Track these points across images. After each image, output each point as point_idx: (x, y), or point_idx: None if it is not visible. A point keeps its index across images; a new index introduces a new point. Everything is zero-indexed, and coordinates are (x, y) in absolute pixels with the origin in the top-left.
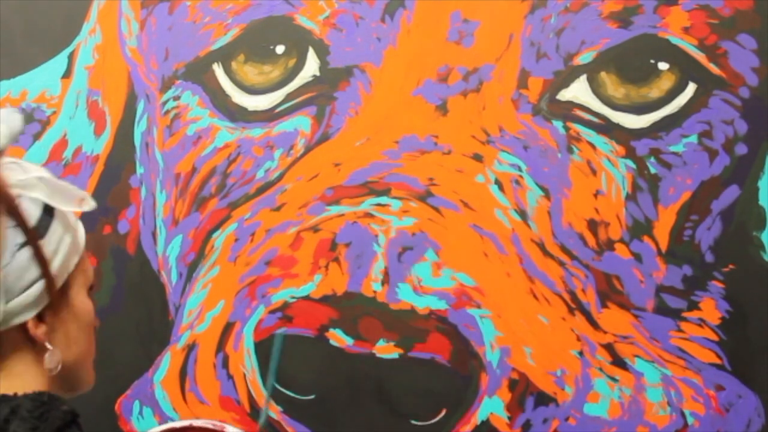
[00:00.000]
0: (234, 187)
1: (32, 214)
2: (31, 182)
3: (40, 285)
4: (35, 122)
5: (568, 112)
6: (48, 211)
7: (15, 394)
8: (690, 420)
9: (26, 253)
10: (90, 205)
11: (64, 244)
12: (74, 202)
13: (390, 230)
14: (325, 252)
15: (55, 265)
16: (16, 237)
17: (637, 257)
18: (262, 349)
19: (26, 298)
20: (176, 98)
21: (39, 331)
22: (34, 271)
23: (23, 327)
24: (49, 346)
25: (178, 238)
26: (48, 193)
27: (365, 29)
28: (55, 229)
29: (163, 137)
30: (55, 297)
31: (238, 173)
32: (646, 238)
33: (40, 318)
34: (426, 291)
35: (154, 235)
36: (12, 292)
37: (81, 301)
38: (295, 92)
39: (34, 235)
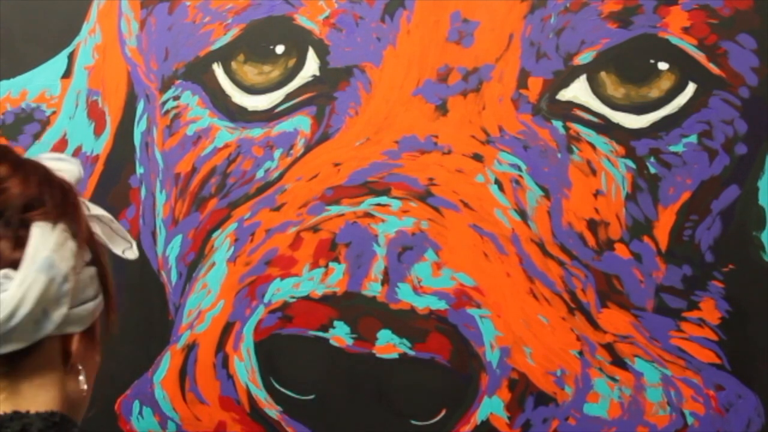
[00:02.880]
0: (234, 187)
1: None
2: (92, 220)
3: (95, 303)
4: (35, 122)
5: (568, 112)
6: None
7: (28, 412)
8: (690, 420)
9: (92, 270)
10: (134, 254)
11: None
12: (121, 248)
13: (389, 230)
14: (325, 252)
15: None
16: (86, 253)
17: (637, 257)
18: (263, 349)
19: (83, 311)
20: (176, 98)
21: (79, 348)
22: (94, 289)
23: (66, 340)
24: (80, 367)
25: (177, 238)
26: (104, 232)
27: (365, 29)
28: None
29: (163, 137)
30: (112, 306)
31: (238, 173)
32: (646, 238)
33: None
34: (426, 291)
35: (153, 235)
36: (76, 300)
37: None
38: (295, 92)
39: (101, 259)
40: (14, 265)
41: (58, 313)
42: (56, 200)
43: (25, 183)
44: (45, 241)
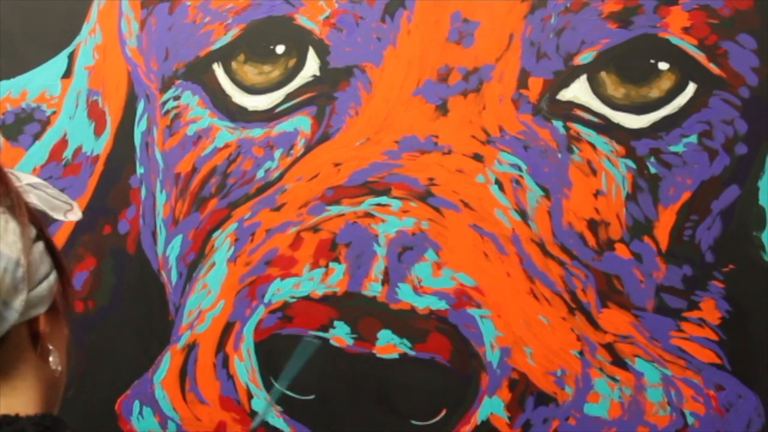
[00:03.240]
0: (234, 187)
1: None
2: (25, 189)
3: (52, 278)
4: (35, 122)
5: (568, 112)
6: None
7: (17, 415)
8: (690, 420)
9: (40, 246)
10: (77, 215)
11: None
12: (62, 211)
13: (390, 230)
14: (326, 252)
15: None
16: (31, 229)
17: (637, 257)
18: (263, 349)
19: (41, 290)
20: (176, 98)
21: (46, 328)
22: (47, 265)
23: (33, 324)
24: (51, 346)
25: (178, 238)
26: (40, 199)
27: (365, 29)
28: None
29: (163, 137)
30: (66, 278)
31: (238, 173)
32: (646, 238)
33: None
34: (426, 291)
35: (154, 235)
36: (33, 281)
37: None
38: (295, 92)
39: (44, 231)
40: None
41: (19, 301)
42: None
43: None
44: None
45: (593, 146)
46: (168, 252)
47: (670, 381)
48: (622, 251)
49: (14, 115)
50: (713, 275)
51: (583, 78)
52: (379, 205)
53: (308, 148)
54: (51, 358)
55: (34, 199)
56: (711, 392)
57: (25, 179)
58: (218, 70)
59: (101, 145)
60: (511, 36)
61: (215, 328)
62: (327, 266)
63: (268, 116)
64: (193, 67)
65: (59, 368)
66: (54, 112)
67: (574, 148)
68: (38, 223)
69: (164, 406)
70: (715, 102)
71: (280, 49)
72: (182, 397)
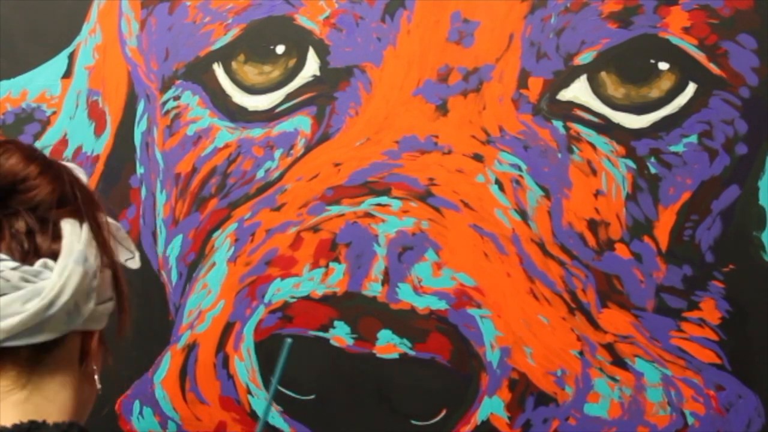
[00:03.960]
0: (234, 187)
1: None
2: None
3: (112, 304)
4: (35, 122)
5: (568, 112)
6: None
7: (44, 422)
8: (690, 420)
9: (109, 272)
10: (136, 264)
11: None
12: (125, 257)
13: (390, 230)
14: (326, 252)
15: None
16: (105, 255)
17: (637, 257)
18: (262, 349)
19: (104, 309)
20: (176, 98)
21: (98, 347)
22: (111, 291)
23: (86, 338)
24: (95, 367)
25: (178, 238)
26: (113, 239)
27: (365, 29)
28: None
29: (163, 137)
30: (124, 309)
31: (238, 173)
32: (646, 238)
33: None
34: (426, 291)
35: (154, 235)
36: (100, 297)
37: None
38: (295, 92)
39: (115, 262)
40: (53, 256)
41: (87, 308)
42: (83, 200)
43: (55, 181)
44: (77, 236)
45: (593, 146)
46: (168, 252)
47: (670, 381)
48: (622, 251)
49: (14, 115)
50: (713, 275)
51: (583, 78)
52: (379, 205)
53: (308, 148)
54: (96, 377)
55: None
56: (711, 392)
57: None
58: (218, 70)
59: (101, 145)
60: (511, 36)
61: (215, 328)
62: (327, 266)
63: (268, 116)
64: (193, 67)
65: (99, 387)
66: (54, 112)
67: (574, 148)
68: (111, 254)
69: (164, 406)
70: (715, 102)
71: (280, 49)
72: (182, 397)
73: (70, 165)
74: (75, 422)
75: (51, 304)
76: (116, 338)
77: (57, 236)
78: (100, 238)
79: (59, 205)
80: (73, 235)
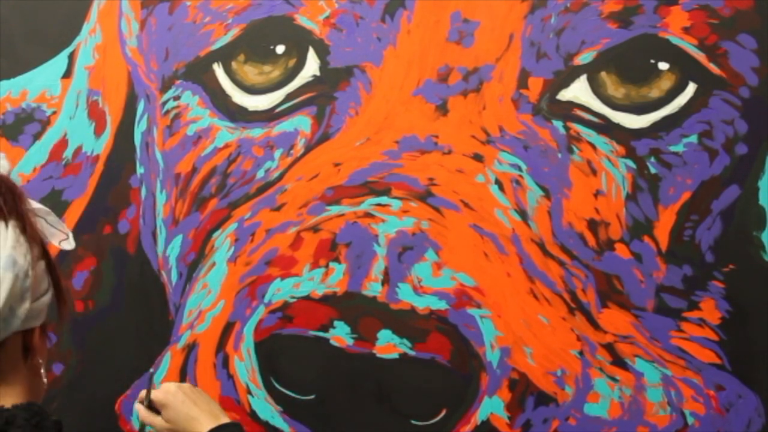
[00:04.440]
0: (234, 187)
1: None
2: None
3: (49, 296)
4: (35, 122)
5: (568, 112)
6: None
7: (2, 406)
8: (690, 420)
9: (42, 264)
10: (71, 245)
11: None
12: (58, 239)
13: (390, 230)
14: (326, 252)
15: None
16: (36, 248)
17: (637, 257)
18: (263, 349)
19: (41, 304)
20: (176, 98)
21: (40, 341)
22: (46, 283)
23: (27, 336)
24: (40, 361)
25: (178, 238)
26: (41, 225)
27: (365, 29)
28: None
29: (163, 137)
30: (62, 298)
31: (238, 173)
32: (646, 238)
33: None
34: (426, 291)
35: (154, 235)
36: (35, 294)
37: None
38: (295, 92)
39: (47, 251)
40: None
41: (23, 309)
42: (5, 194)
43: None
44: (3, 239)
45: (593, 146)
46: (168, 252)
47: (670, 381)
48: (622, 251)
49: (14, 115)
50: (713, 275)
51: (583, 78)
52: (379, 205)
53: (308, 148)
54: (42, 371)
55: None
56: (711, 392)
57: (31, 204)
58: (218, 70)
59: (101, 145)
60: (511, 36)
61: (215, 328)
62: (327, 266)
63: (268, 116)
64: (193, 67)
65: (45, 382)
66: (54, 112)
67: (574, 148)
68: (42, 243)
69: None
70: (715, 102)
71: (280, 49)
72: None
73: None
74: (33, 401)
75: None
76: (57, 327)
77: None
78: (28, 231)
79: None
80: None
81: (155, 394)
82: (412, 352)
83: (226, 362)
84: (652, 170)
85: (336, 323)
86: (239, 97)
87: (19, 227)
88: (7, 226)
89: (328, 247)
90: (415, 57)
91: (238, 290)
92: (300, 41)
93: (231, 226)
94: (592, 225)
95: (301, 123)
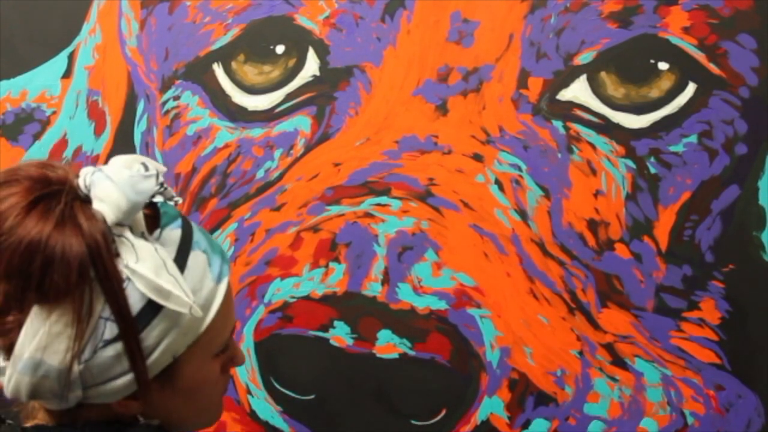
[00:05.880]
0: (234, 187)
1: (135, 303)
2: (132, 277)
3: (125, 380)
4: (35, 122)
5: (568, 112)
6: (152, 303)
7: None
8: (690, 420)
9: (117, 347)
10: (197, 313)
11: (171, 335)
12: (176, 305)
13: (390, 230)
14: (325, 252)
15: (153, 358)
16: (105, 331)
17: (637, 257)
18: (262, 349)
19: (110, 389)
20: (176, 98)
21: (125, 409)
22: (121, 367)
23: (113, 405)
24: (141, 419)
25: None
26: (149, 288)
27: (365, 29)
28: (158, 324)
29: (163, 137)
30: (145, 387)
31: (238, 173)
32: (646, 238)
33: (133, 397)
34: (426, 291)
35: None
36: (98, 379)
37: (196, 371)
38: (295, 92)
39: (131, 330)
40: (7, 350)
41: (73, 396)
42: (59, 278)
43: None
44: (33, 335)
45: (593, 146)
46: None
47: (670, 381)
48: (622, 251)
49: (14, 115)
50: (713, 275)
51: (583, 78)
52: (379, 205)
53: (308, 148)
54: (140, 417)
55: (140, 286)
56: (711, 392)
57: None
58: (218, 70)
59: (101, 145)
60: (511, 36)
61: None
62: (327, 266)
63: (268, 116)
64: (193, 67)
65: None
66: (54, 112)
67: (574, 148)
68: (126, 322)
69: None
70: (715, 102)
71: (280, 49)
72: None
73: (104, 180)
74: (161, 423)
75: (14, 393)
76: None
77: (7, 332)
78: (91, 317)
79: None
80: (30, 332)
81: None
82: (412, 352)
83: None
84: (652, 170)
85: (336, 323)
86: (239, 97)
87: (73, 313)
88: (49, 314)
89: (328, 247)
90: (415, 57)
91: (238, 290)
92: (300, 41)
93: (231, 226)
94: (592, 225)
95: (301, 123)
